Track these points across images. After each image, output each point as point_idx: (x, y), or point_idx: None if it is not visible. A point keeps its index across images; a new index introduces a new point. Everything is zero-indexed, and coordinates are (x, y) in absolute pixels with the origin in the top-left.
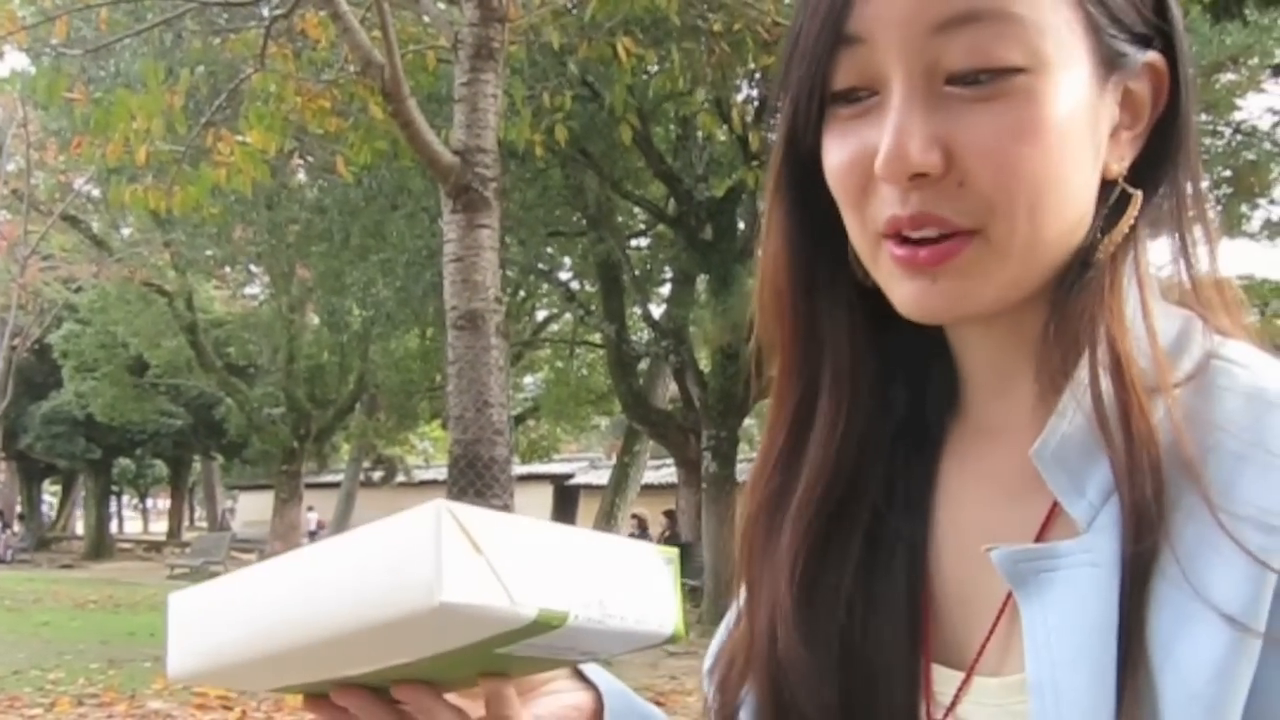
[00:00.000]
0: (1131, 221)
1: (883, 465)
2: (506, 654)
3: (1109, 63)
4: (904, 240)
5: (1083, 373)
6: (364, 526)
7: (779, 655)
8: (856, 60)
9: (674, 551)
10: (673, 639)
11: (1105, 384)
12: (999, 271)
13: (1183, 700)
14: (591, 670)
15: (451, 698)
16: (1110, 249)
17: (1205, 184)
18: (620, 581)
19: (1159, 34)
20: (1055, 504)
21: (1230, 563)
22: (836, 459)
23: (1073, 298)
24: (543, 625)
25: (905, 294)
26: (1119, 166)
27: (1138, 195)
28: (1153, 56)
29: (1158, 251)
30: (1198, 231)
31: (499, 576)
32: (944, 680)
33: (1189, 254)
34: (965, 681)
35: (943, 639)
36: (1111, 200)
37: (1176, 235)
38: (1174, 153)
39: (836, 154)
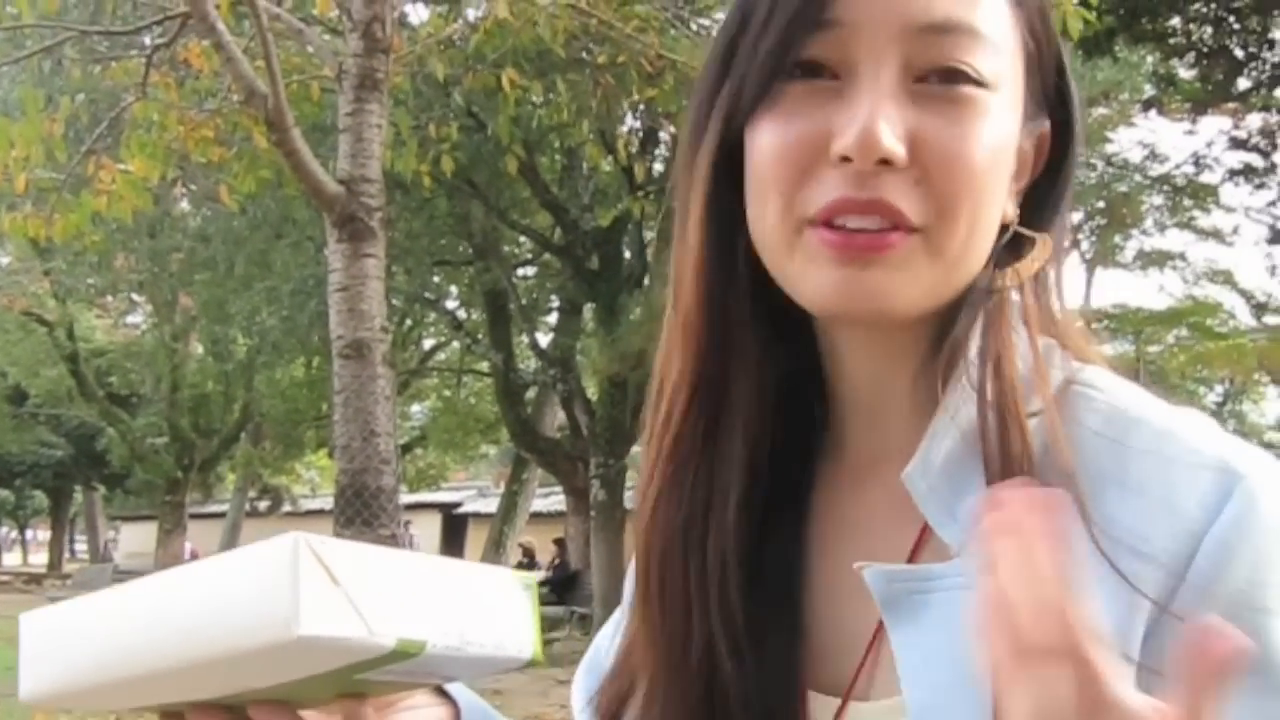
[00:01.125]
0: (1039, 264)
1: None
2: (364, 679)
3: (1030, 110)
4: (835, 228)
5: (955, 397)
6: (223, 554)
7: (722, 678)
8: (832, 42)
9: (532, 578)
10: (531, 663)
11: (984, 409)
12: (929, 273)
13: None
14: (451, 685)
15: (308, 715)
16: (1007, 281)
17: (1079, 216)
18: (479, 608)
19: (1053, 107)
20: (925, 528)
21: (1102, 586)
22: (746, 479)
23: (960, 325)
24: (401, 654)
25: (825, 281)
26: (1011, 210)
27: (1046, 240)
28: (1044, 125)
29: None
30: (1059, 274)
31: (356, 607)
32: (823, 708)
33: (1042, 284)
34: (842, 708)
35: (819, 667)
36: (1004, 240)
37: (1050, 277)
38: (1054, 211)
39: (780, 133)
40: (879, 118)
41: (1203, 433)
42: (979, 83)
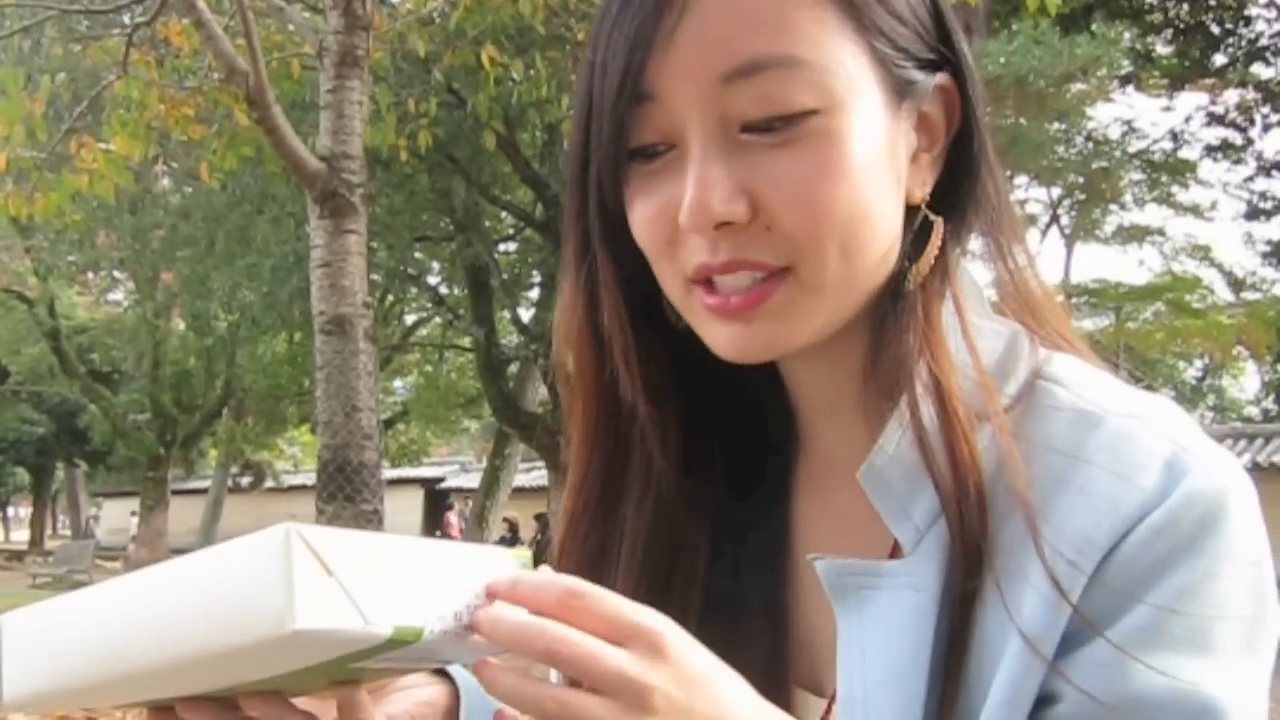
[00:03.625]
0: (938, 247)
1: (721, 499)
2: (360, 666)
3: (899, 91)
4: (712, 287)
5: (904, 398)
6: (212, 548)
7: None
8: (652, 117)
9: (527, 554)
10: None
11: (928, 411)
12: (811, 310)
13: (988, 718)
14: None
15: (301, 702)
16: (919, 277)
17: (1058, 192)
18: (474, 590)
19: (944, 57)
20: None
21: (1038, 588)
22: (659, 506)
23: (889, 328)
24: (398, 642)
25: (721, 339)
26: (921, 192)
27: (939, 221)
28: (942, 79)
29: (981, 266)
30: (1010, 238)
31: (351, 597)
32: (809, 706)
33: (1006, 261)
34: (828, 709)
35: (805, 666)
36: (916, 226)
37: (992, 245)
38: (974, 167)
39: (640, 210)
40: (705, 186)
41: (1162, 430)
42: (806, 113)
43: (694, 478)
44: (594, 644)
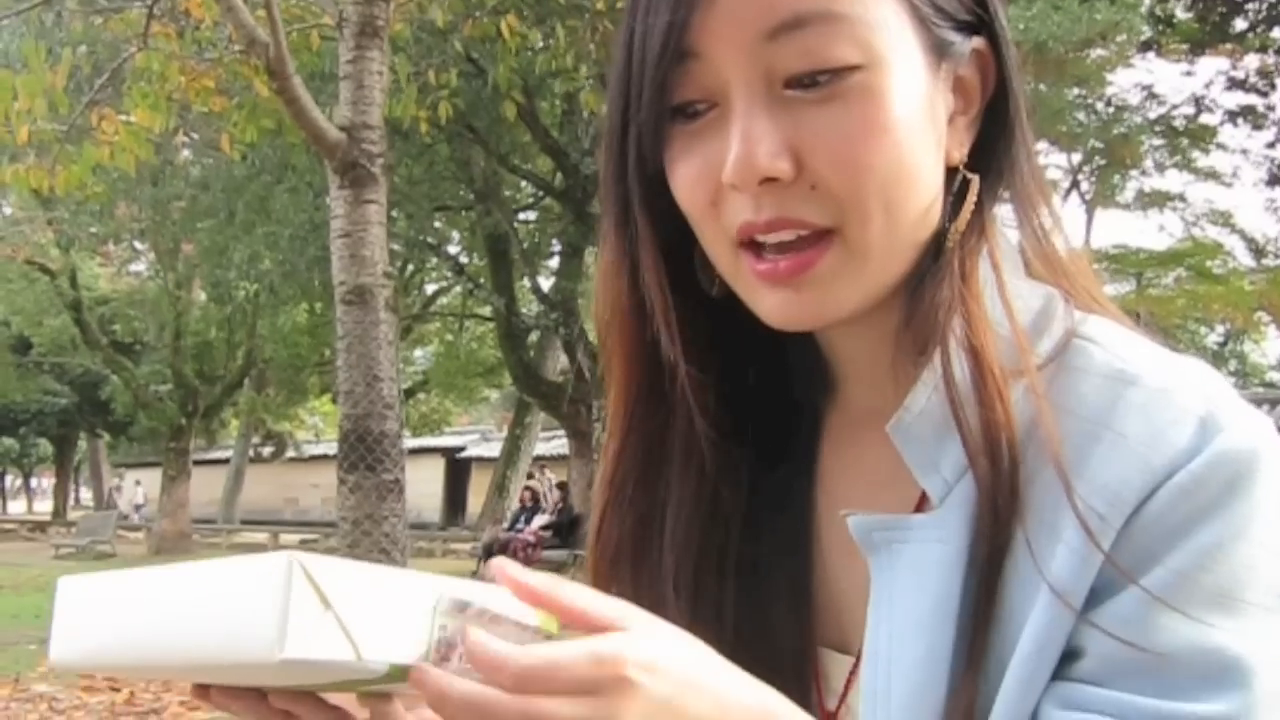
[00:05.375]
0: (973, 205)
1: (751, 463)
2: (378, 689)
3: (938, 51)
4: (760, 249)
5: (938, 353)
6: (222, 561)
7: None
8: (694, 75)
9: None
10: None
11: (961, 367)
12: (858, 274)
13: (1013, 668)
14: None
15: (332, 698)
16: (957, 235)
17: (1078, 158)
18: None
19: (980, 20)
20: None
21: (1068, 542)
22: (716, 462)
23: (926, 287)
24: (396, 676)
25: (769, 306)
26: (959, 153)
27: (975, 179)
28: (978, 42)
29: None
30: (1040, 202)
31: (347, 631)
32: (835, 664)
33: (1035, 226)
34: (855, 666)
35: (832, 625)
36: (955, 187)
37: (1024, 208)
38: (1009, 131)
39: (683, 170)
40: (750, 141)
41: (1196, 389)
42: (850, 68)
43: (730, 441)
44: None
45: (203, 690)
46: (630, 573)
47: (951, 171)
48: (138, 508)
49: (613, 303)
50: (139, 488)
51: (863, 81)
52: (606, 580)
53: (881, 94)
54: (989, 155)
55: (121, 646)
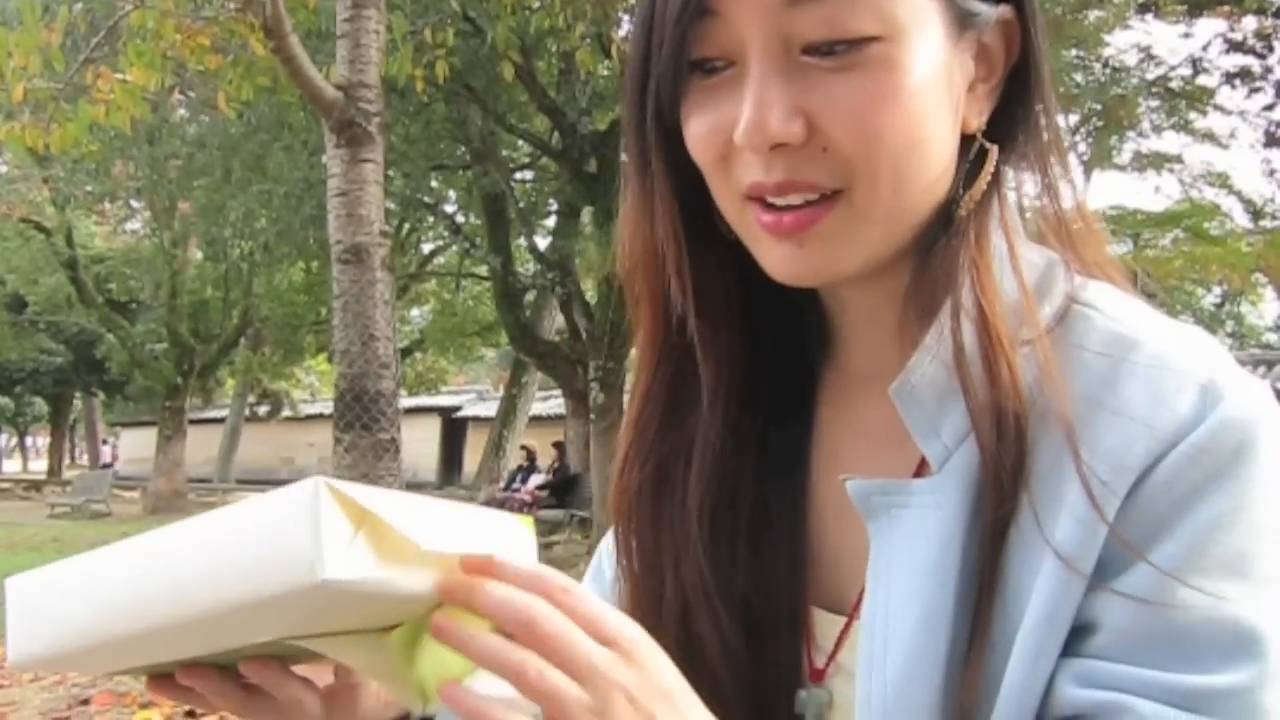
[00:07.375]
0: (990, 176)
1: (764, 418)
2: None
3: (962, 22)
4: (768, 205)
5: (945, 318)
6: (239, 504)
7: (692, 612)
8: (714, 33)
9: (530, 520)
10: None
11: (969, 332)
12: (863, 234)
13: (1021, 639)
14: None
15: (298, 668)
16: (971, 204)
17: (1075, 119)
18: (488, 548)
19: None
20: None
21: (1073, 509)
22: (725, 414)
23: (936, 253)
24: (423, 608)
25: (773, 259)
26: (978, 121)
27: (993, 150)
28: (1004, 11)
29: (1024, 189)
30: (1058, 170)
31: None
32: (826, 624)
33: (1053, 193)
34: (846, 626)
35: (824, 584)
36: (972, 155)
37: (1040, 176)
38: (1030, 99)
39: (696, 124)
40: (763, 105)
41: (1197, 355)
42: (868, 39)
43: (737, 395)
44: (575, 630)
45: (161, 682)
46: (650, 511)
47: (968, 139)
48: (105, 465)
49: (635, 248)
50: (105, 446)
51: (880, 52)
52: (626, 518)
53: (898, 65)
54: (1008, 123)
55: (96, 626)
